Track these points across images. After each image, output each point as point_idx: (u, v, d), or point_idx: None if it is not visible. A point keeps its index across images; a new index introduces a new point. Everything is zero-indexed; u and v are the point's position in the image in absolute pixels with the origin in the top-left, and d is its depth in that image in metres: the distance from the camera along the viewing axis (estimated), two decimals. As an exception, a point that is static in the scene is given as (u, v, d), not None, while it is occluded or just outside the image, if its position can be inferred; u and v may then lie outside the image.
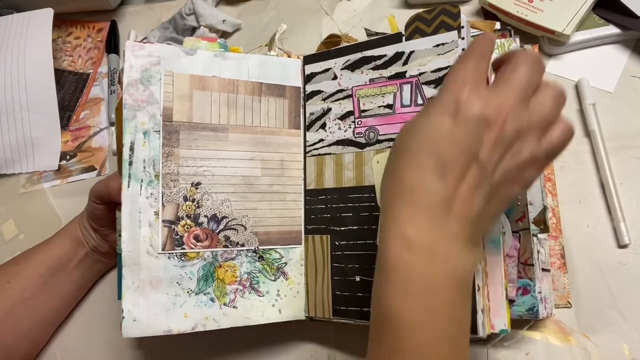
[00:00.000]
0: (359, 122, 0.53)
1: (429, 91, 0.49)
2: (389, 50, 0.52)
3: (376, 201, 0.50)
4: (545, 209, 0.51)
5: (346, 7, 0.76)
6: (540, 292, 0.50)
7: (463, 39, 0.48)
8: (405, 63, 0.51)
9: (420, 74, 0.50)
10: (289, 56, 0.61)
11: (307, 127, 0.57)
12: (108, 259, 0.65)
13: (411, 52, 0.51)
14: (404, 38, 0.51)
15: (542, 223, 0.51)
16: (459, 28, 0.48)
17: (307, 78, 0.58)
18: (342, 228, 0.53)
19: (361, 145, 0.53)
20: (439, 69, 0.49)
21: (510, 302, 0.49)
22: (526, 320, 0.53)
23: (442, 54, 0.49)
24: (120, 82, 0.51)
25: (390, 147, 0.50)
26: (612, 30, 0.61)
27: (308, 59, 0.58)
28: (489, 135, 0.35)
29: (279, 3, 0.79)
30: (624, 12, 0.60)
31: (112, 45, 0.82)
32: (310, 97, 0.57)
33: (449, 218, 0.35)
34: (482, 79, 0.36)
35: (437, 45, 0.49)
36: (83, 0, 0.84)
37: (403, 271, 0.35)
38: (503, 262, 0.48)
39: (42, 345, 0.64)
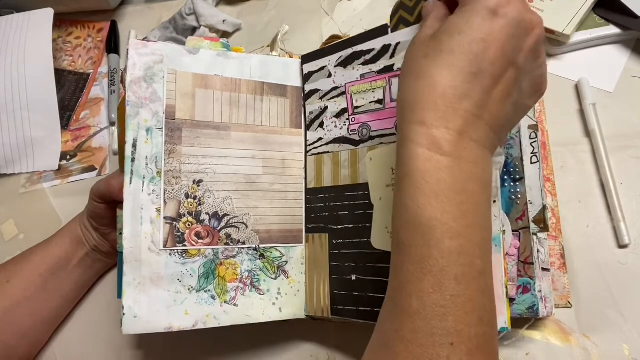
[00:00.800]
0: (353, 119, 0.53)
1: None
2: (377, 44, 0.51)
3: (370, 199, 0.50)
4: (544, 208, 0.51)
5: (346, 7, 0.76)
6: (541, 291, 0.50)
7: None
8: (392, 56, 0.50)
9: None
10: (290, 57, 0.61)
11: (308, 127, 0.57)
12: (108, 258, 0.65)
13: (397, 44, 0.50)
14: (389, 30, 0.50)
15: (541, 222, 0.51)
16: None
17: (305, 77, 0.58)
18: (339, 227, 0.53)
19: (355, 143, 0.53)
20: None
21: (511, 300, 0.49)
22: (526, 319, 0.53)
23: None
24: (122, 81, 0.51)
25: (382, 143, 0.50)
26: (612, 30, 0.61)
27: (305, 59, 0.58)
28: (528, 41, 0.35)
29: (279, 3, 0.79)
30: (624, 12, 0.60)
31: (112, 45, 0.83)
32: (309, 97, 0.57)
33: (479, 122, 0.34)
34: None
35: None
36: (83, 0, 0.84)
37: (433, 176, 0.34)
38: (503, 260, 0.48)
39: (42, 344, 0.64)
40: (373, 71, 0.52)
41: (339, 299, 0.52)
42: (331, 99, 0.55)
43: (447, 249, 0.33)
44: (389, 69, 0.50)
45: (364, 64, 0.52)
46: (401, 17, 0.48)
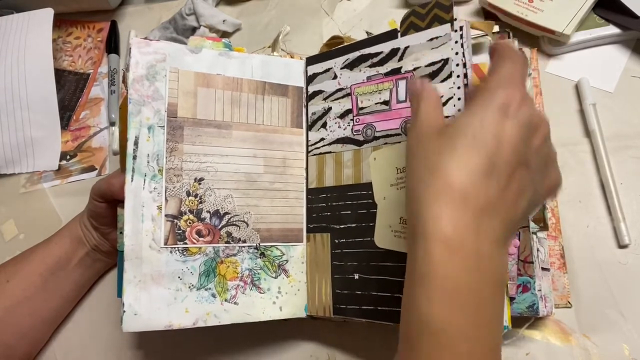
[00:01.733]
0: (357, 120, 0.53)
1: None
2: (385, 47, 0.52)
3: (373, 198, 0.50)
4: (544, 207, 0.52)
5: (346, 7, 0.76)
6: (540, 290, 0.50)
7: (456, 31, 0.47)
8: (400, 59, 0.51)
9: (415, 69, 0.50)
10: (291, 57, 0.61)
11: (310, 127, 0.57)
12: (108, 258, 0.65)
13: (406, 48, 0.51)
14: (399, 34, 0.51)
15: (541, 221, 0.52)
16: (451, 21, 0.47)
17: (310, 79, 0.58)
18: (342, 226, 0.53)
19: (359, 143, 0.53)
20: (433, 63, 0.48)
21: (511, 299, 0.50)
22: (526, 318, 0.53)
23: (436, 48, 0.48)
24: (124, 80, 0.52)
25: (386, 143, 0.50)
26: (612, 30, 0.62)
27: (310, 60, 0.59)
28: (536, 140, 0.36)
29: (279, 3, 0.80)
30: (624, 12, 0.60)
31: (112, 45, 0.82)
32: (312, 98, 0.57)
33: (495, 221, 0.34)
34: (525, 84, 0.37)
35: (431, 39, 0.49)
36: (83, 0, 0.84)
37: (447, 277, 0.33)
38: (504, 259, 0.48)
39: (42, 344, 0.64)
40: (380, 73, 0.52)
41: (341, 298, 0.52)
42: (335, 100, 0.55)
43: (460, 353, 0.32)
44: (396, 71, 0.51)
45: (371, 66, 0.53)
46: (412, 23, 0.50)
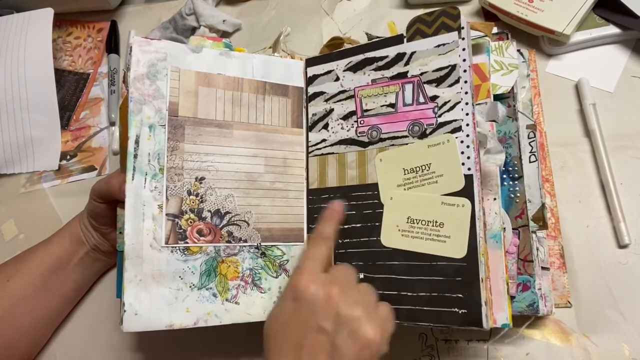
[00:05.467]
0: (362, 122, 0.54)
1: (431, 90, 0.50)
2: (391, 52, 0.53)
3: (379, 198, 0.51)
4: (543, 206, 0.52)
5: (346, 7, 0.76)
6: (540, 289, 0.50)
7: (463, 39, 0.49)
8: (407, 63, 0.52)
9: (422, 74, 0.51)
10: (292, 57, 0.61)
11: (310, 128, 0.57)
12: (108, 257, 0.65)
13: (413, 53, 0.52)
14: (405, 39, 0.52)
15: (540, 220, 0.52)
16: (459, 29, 0.49)
17: (310, 80, 0.58)
18: (346, 226, 0.53)
19: (364, 144, 0.53)
20: (441, 68, 0.50)
21: (511, 298, 0.50)
22: (526, 317, 0.53)
23: (443, 54, 0.50)
24: (124, 79, 0.51)
25: (393, 145, 0.51)
26: (612, 30, 0.62)
27: (310, 62, 0.59)
28: (328, 309, 0.42)
29: (279, 3, 0.80)
30: (624, 12, 0.61)
31: (112, 45, 0.82)
32: (312, 99, 0.57)
33: None
34: (320, 266, 0.46)
35: (438, 46, 0.50)
36: (83, 0, 0.84)
37: None
38: (504, 257, 0.48)
39: (42, 344, 0.64)
40: (385, 77, 0.53)
41: None
42: (338, 101, 0.56)
43: None
44: (402, 75, 0.52)
45: (376, 69, 0.54)
46: (418, 29, 0.52)
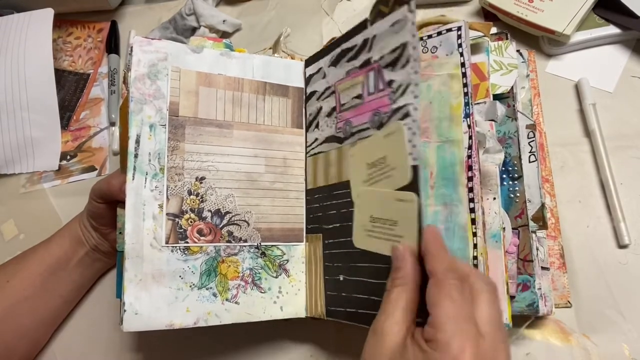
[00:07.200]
0: (339, 117, 0.52)
1: (388, 74, 0.45)
2: (358, 40, 0.50)
3: (352, 196, 0.49)
4: (543, 205, 0.52)
5: (346, 7, 0.76)
6: (540, 289, 0.50)
7: (412, 12, 0.42)
8: (370, 49, 0.48)
9: (381, 58, 0.46)
10: (292, 58, 0.61)
11: (307, 128, 0.57)
12: (108, 258, 0.64)
13: (374, 37, 0.48)
14: (368, 23, 0.48)
15: (540, 220, 0.52)
16: (408, 1, 0.43)
17: (307, 80, 0.58)
18: (329, 226, 0.52)
19: (341, 140, 0.52)
20: (395, 49, 0.44)
21: (510, 298, 0.50)
22: (526, 317, 0.53)
23: (397, 33, 0.44)
24: (125, 81, 0.51)
25: (360, 139, 0.48)
26: (612, 30, 0.62)
27: (307, 62, 0.58)
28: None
29: (279, 3, 0.80)
30: (624, 12, 0.61)
31: (113, 45, 0.82)
32: (309, 99, 0.57)
33: None
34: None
35: (393, 25, 0.45)
36: (83, 0, 0.84)
37: None
38: (504, 257, 0.48)
39: (42, 344, 0.64)
40: (356, 67, 0.50)
41: (331, 300, 0.51)
42: (325, 99, 0.55)
43: None
44: (367, 62, 0.49)
45: (348, 60, 0.51)
46: (379, 11, 0.47)
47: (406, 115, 0.42)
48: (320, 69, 0.56)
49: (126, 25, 0.85)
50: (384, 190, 0.43)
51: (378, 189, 0.45)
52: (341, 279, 0.49)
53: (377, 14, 0.47)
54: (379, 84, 0.47)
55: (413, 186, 0.40)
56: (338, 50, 0.53)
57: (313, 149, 0.56)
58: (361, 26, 0.49)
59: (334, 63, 0.54)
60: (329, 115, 0.54)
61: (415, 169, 0.40)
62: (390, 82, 0.45)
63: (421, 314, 0.37)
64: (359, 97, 0.49)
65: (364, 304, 0.46)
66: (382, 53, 0.46)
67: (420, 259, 0.39)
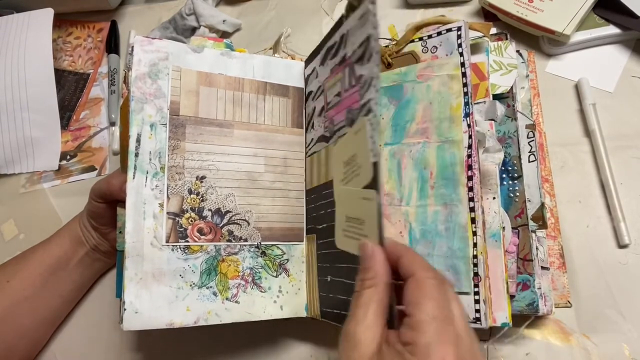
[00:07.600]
0: (326, 116, 0.52)
1: (358, 69, 0.44)
2: (337, 37, 0.49)
3: (334, 196, 0.48)
4: (542, 205, 0.52)
5: (346, 8, 0.76)
6: (540, 288, 0.50)
7: (373, 3, 0.40)
8: (345, 45, 0.47)
9: (353, 53, 0.45)
10: (292, 58, 0.61)
11: (306, 129, 0.57)
12: (108, 257, 0.65)
13: (347, 32, 0.46)
14: (344, 19, 0.47)
15: (540, 219, 0.52)
16: None
17: (306, 81, 0.58)
18: (320, 226, 0.52)
19: (327, 139, 0.51)
20: (362, 43, 0.43)
21: (510, 297, 0.50)
22: (526, 317, 0.53)
23: (363, 26, 0.42)
24: (125, 81, 0.51)
25: (341, 137, 0.47)
26: (612, 30, 0.62)
27: (306, 63, 0.58)
28: None
29: (279, 3, 0.80)
30: (624, 12, 0.61)
31: (112, 45, 0.83)
32: (307, 99, 0.57)
33: None
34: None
35: (360, 18, 0.43)
36: (83, 0, 0.84)
37: None
38: (503, 256, 0.48)
39: (42, 344, 0.64)
40: (336, 64, 0.49)
41: (323, 301, 0.51)
42: (317, 98, 0.55)
43: None
44: (343, 59, 0.47)
45: (331, 58, 0.51)
46: (351, 5, 0.45)
47: (369, 111, 0.41)
48: (314, 69, 0.56)
49: (126, 25, 0.85)
50: (353, 188, 0.43)
51: (350, 187, 0.44)
52: (329, 279, 0.49)
53: (350, 8, 0.45)
54: (352, 79, 0.45)
55: (374, 184, 0.39)
56: (324, 49, 0.53)
57: (310, 149, 0.56)
58: (339, 23, 0.48)
59: (322, 62, 0.53)
60: (320, 114, 0.54)
61: (375, 165, 0.39)
62: (359, 77, 0.43)
63: (389, 316, 0.36)
64: (338, 94, 0.49)
65: (344, 305, 0.44)
66: (354, 48, 0.45)
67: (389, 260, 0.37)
